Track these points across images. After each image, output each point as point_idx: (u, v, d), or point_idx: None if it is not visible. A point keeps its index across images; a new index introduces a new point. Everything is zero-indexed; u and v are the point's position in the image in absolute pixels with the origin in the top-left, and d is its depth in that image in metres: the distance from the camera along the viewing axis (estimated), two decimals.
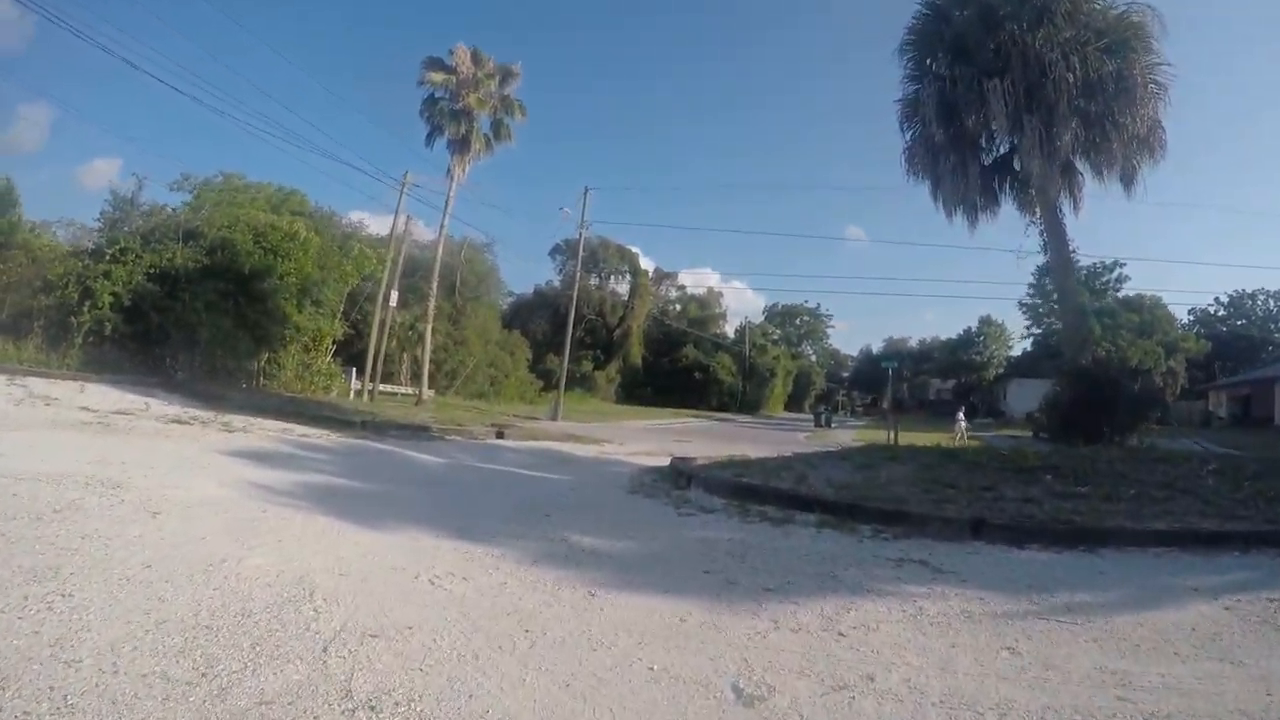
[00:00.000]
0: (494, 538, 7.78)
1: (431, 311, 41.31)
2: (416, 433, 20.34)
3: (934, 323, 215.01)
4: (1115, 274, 78.17)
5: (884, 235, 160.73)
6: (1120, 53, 20.72)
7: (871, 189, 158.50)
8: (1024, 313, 79.18)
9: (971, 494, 11.04)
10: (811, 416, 65.19)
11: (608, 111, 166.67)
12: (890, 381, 44.58)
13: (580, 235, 44.65)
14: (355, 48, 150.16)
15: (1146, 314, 71.54)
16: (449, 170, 40.75)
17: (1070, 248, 22.24)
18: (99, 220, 28.18)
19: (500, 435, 22.22)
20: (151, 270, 26.15)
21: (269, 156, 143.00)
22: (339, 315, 32.59)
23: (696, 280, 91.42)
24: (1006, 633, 5.48)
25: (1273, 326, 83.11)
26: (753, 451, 22.71)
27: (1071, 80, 20.19)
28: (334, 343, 33.05)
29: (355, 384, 40.09)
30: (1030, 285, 77.73)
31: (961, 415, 43.49)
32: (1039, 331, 78.51)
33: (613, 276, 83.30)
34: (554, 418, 39.42)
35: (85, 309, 24.39)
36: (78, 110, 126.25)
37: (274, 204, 32.97)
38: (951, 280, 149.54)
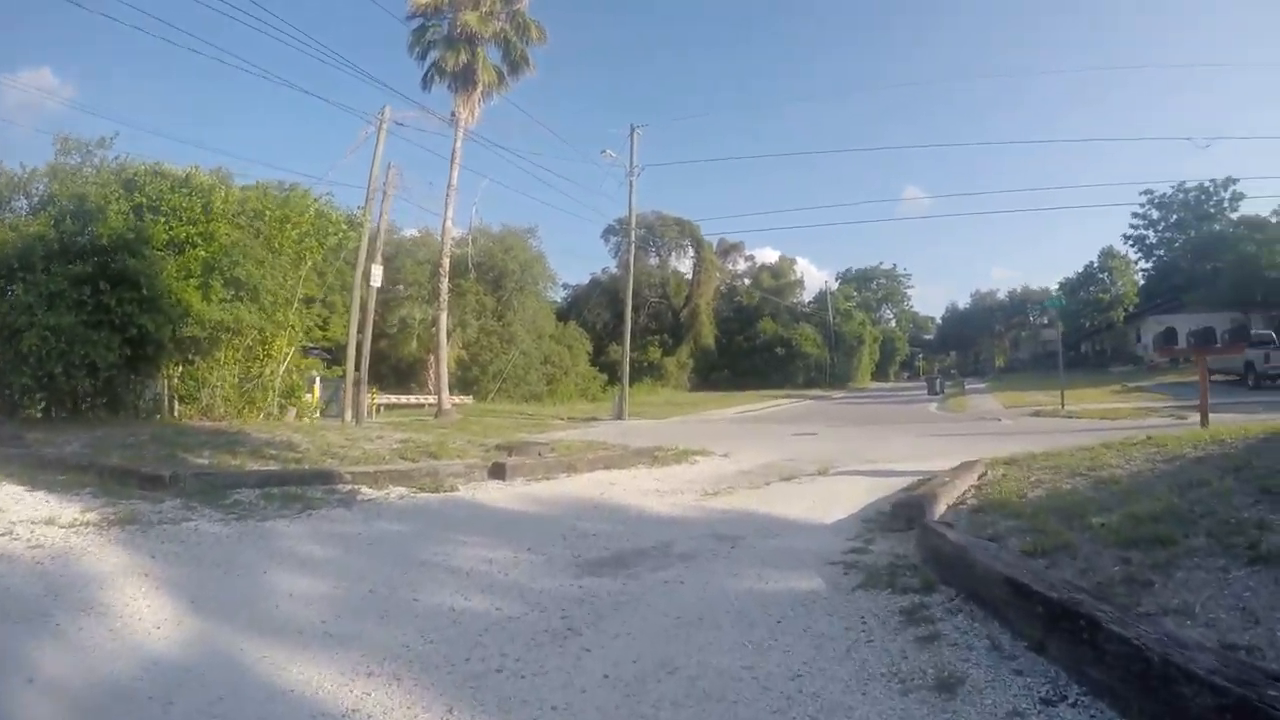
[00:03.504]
0: None
1: (444, 298, 30.20)
2: (301, 493, 9.01)
3: (1005, 278, 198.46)
4: (1229, 192, 62.90)
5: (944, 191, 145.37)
6: None
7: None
8: (1131, 245, 66.94)
9: None
10: (924, 384, 53.64)
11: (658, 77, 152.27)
12: (1058, 326, 32.50)
13: (631, 183, 33.20)
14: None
15: None
16: (452, 114, 29.58)
17: None
18: None
19: (498, 473, 10.87)
20: None
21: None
22: (295, 305, 21.47)
23: (762, 258, 78.73)
24: None
25: None
26: (955, 446, 15.70)
27: None
28: (294, 346, 22.07)
29: (368, 399, 30.07)
30: (1135, 214, 66.73)
31: None
32: (1149, 266, 65.93)
33: (673, 253, 71.72)
34: (619, 416, 29.58)
35: None
36: None
37: (277, 203, 22.35)
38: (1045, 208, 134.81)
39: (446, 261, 30.29)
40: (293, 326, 21.60)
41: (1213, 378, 35.99)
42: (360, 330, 24.63)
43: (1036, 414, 25.58)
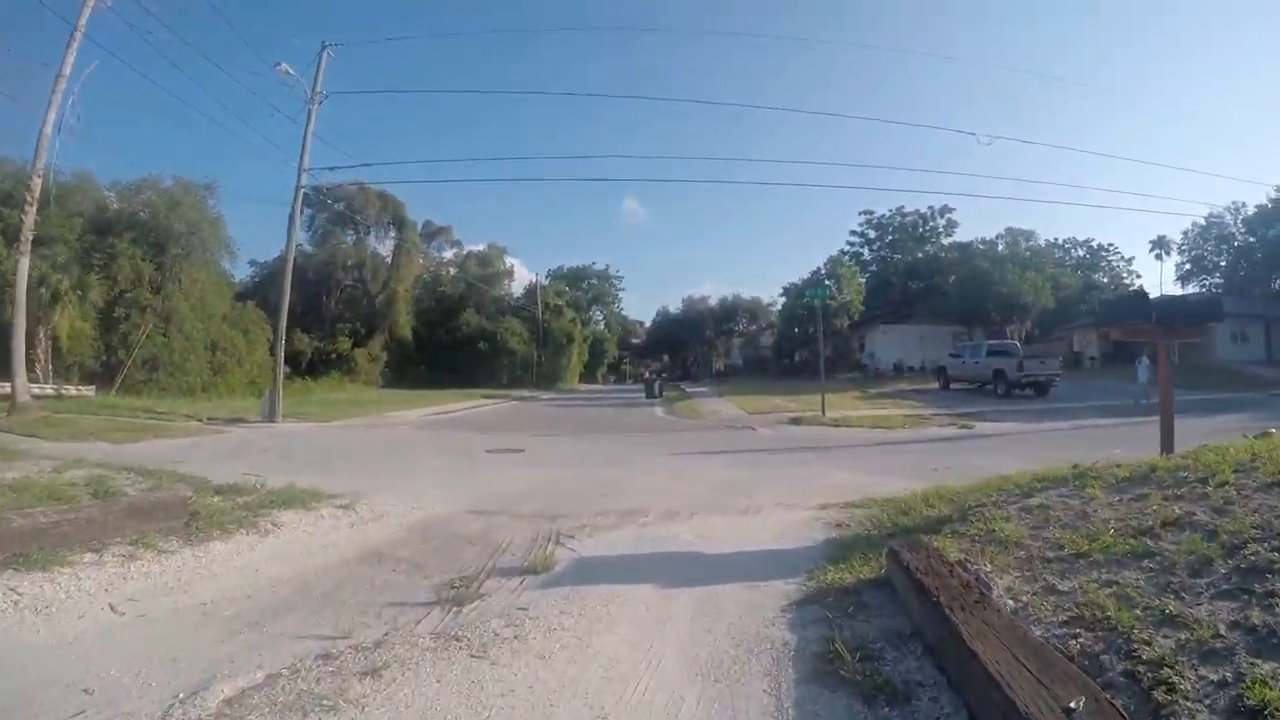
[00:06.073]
0: None
1: (28, 236, 20.44)
2: None
3: (715, 288, 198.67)
4: (944, 219, 67.79)
5: (663, 208, 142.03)
6: None
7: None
8: (852, 261, 66.58)
9: None
10: (641, 387, 48.30)
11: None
12: (820, 318, 27.39)
13: (310, 111, 24.19)
14: None
15: (1023, 247, 62.05)
16: None
17: None
18: None
19: None
20: None
21: None
22: None
23: (470, 245, 70.77)
24: None
25: (1125, 281, 72.70)
26: (739, 472, 10.93)
27: None
28: None
29: None
30: (853, 233, 70.52)
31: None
32: (862, 282, 66.95)
33: (374, 232, 61.49)
34: (269, 418, 21.92)
35: None
36: None
37: None
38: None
39: (38, 181, 20.46)
40: None
41: (952, 385, 33.51)
42: None
43: (795, 422, 21.15)
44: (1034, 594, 4.01)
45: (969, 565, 4.34)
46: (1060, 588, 4.05)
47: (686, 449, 14.78)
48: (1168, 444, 8.51)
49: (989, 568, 4.43)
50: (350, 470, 10.33)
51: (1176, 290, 61.05)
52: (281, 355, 24.98)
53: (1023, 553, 4.73)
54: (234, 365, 40.67)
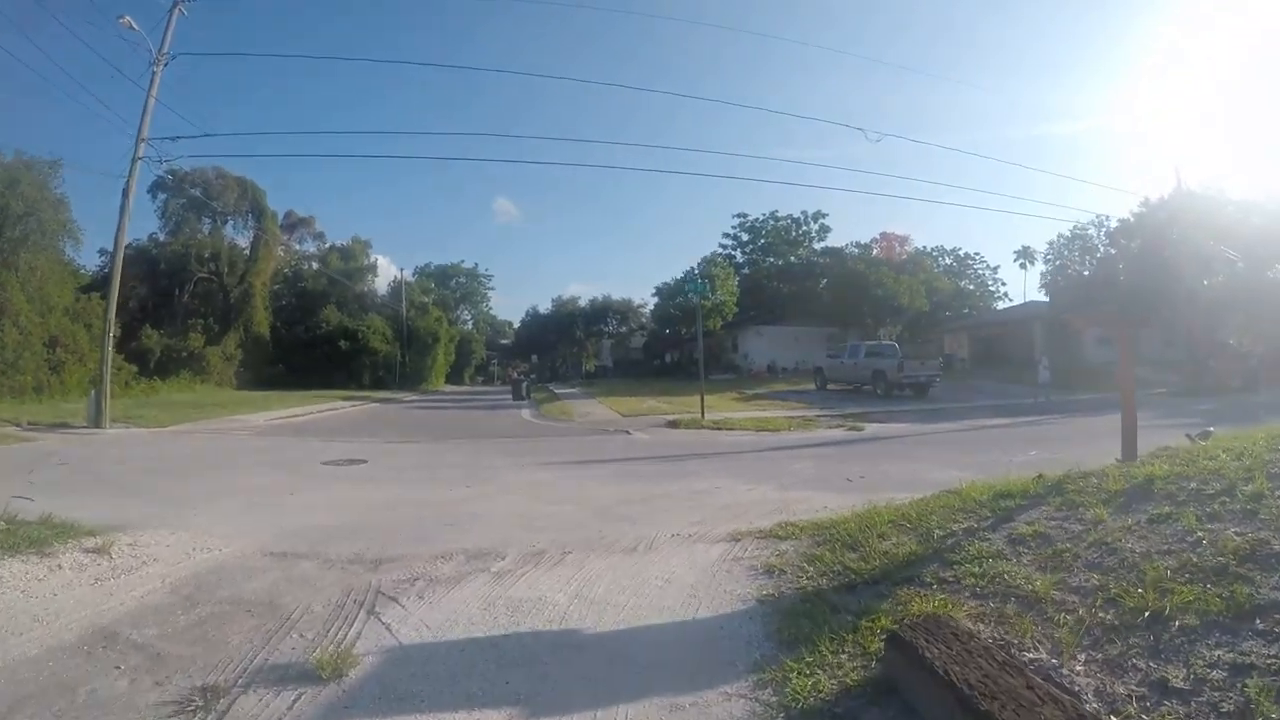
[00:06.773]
0: None
1: None
2: None
3: (583, 292, 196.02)
4: (817, 224, 68.53)
5: (535, 209, 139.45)
6: None
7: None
8: (726, 262, 65.21)
9: None
10: (508, 389, 46.16)
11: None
12: (699, 315, 26.00)
13: (155, 73, 21.19)
14: None
15: (897, 251, 64.78)
16: None
17: None
18: None
19: None
20: None
21: None
22: None
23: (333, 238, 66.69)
24: None
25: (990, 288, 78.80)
26: (631, 489, 9.01)
27: None
28: None
29: None
30: (726, 235, 69.97)
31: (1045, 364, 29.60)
32: (737, 280, 67.22)
33: (233, 221, 56.46)
34: (95, 423, 19.65)
35: None
36: None
37: None
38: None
39: None
40: None
41: (829, 386, 32.76)
42: None
43: (673, 425, 19.67)
44: (1140, 700, 2.44)
45: (1014, 651, 2.76)
46: (1174, 683, 2.51)
47: (556, 458, 13.07)
48: (1130, 449, 7.22)
49: (1041, 654, 2.85)
50: (149, 490, 8.37)
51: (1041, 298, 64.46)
52: (109, 350, 22.01)
53: (1069, 617, 3.18)
54: (75, 363, 36.49)
